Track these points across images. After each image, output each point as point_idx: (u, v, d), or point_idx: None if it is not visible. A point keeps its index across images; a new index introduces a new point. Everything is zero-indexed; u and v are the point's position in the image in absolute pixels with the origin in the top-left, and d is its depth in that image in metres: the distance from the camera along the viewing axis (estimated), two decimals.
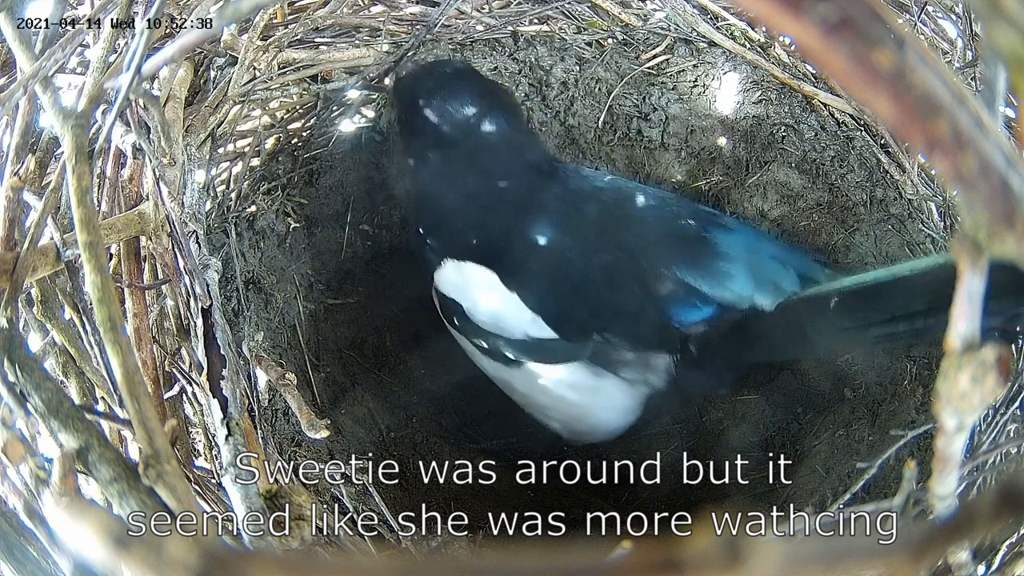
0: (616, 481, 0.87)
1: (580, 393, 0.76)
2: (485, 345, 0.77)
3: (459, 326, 0.78)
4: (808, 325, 0.66)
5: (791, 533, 0.47)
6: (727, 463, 0.84)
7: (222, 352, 0.49)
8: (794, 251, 0.79)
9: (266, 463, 0.54)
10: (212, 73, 0.69)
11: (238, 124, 0.74)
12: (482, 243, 0.75)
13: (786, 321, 0.68)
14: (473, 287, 0.75)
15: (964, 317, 0.23)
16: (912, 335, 0.60)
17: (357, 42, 0.80)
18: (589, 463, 0.89)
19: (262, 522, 0.35)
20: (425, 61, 0.81)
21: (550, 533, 0.78)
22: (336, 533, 0.56)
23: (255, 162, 0.78)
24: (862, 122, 0.83)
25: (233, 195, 0.75)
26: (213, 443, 0.54)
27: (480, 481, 0.85)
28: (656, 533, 0.77)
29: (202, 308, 0.50)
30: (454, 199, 0.76)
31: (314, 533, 0.37)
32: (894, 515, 0.39)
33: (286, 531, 0.35)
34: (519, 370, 0.77)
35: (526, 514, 0.81)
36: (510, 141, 0.76)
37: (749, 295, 0.71)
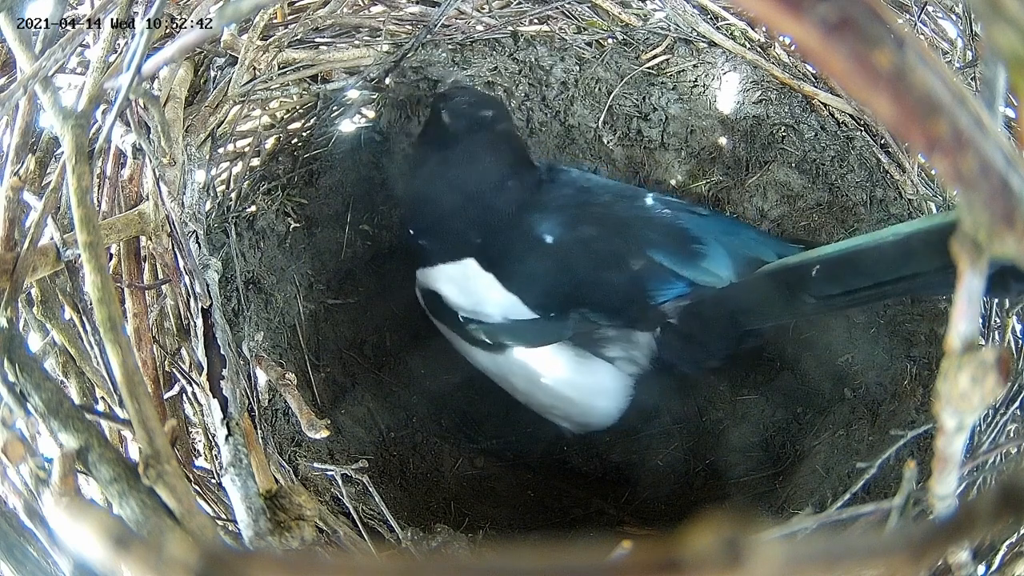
0: (616, 481, 0.87)
1: (568, 377, 0.76)
2: (469, 333, 0.77)
3: (441, 316, 0.79)
4: (791, 292, 0.66)
5: (791, 533, 0.47)
6: (727, 463, 0.85)
7: (222, 352, 0.49)
8: (770, 236, 0.79)
9: (267, 463, 0.54)
10: (212, 73, 0.69)
11: (238, 124, 0.75)
12: (463, 236, 0.76)
13: (768, 289, 0.68)
14: (453, 276, 0.76)
15: (964, 317, 0.23)
16: (898, 294, 0.59)
17: (357, 42, 0.80)
18: (590, 463, 0.89)
19: (262, 522, 0.35)
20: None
21: (550, 533, 0.78)
22: (336, 533, 0.56)
23: (255, 162, 0.79)
24: (862, 122, 0.83)
25: (233, 195, 0.75)
26: (213, 443, 0.54)
27: (480, 481, 0.85)
28: (656, 533, 0.77)
29: (202, 308, 0.50)
30: (437, 199, 0.77)
31: (314, 533, 0.37)
32: (894, 515, 0.39)
33: (286, 531, 0.35)
34: (507, 358, 0.77)
35: (526, 514, 0.81)
36: (485, 140, 0.78)
37: (727, 275, 0.71)
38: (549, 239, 0.74)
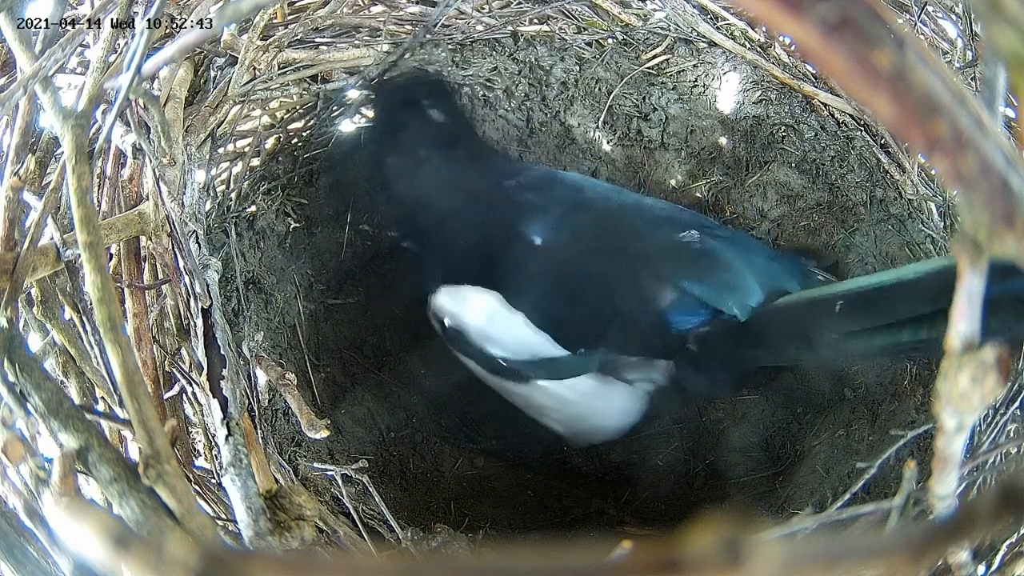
0: (616, 481, 0.87)
1: (584, 398, 0.76)
2: (493, 366, 0.76)
3: (466, 351, 0.77)
4: (811, 328, 0.65)
5: (791, 533, 0.47)
6: (727, 463, 0.85)
7: (222, 352, 0.49)
8: (794, 263, 0.78)
9: (267, 463, 0.54)
10: (212, 73, 0.69)
11: (238, 124, 0.74)
12: (481, 264, 0.74)
13: (789, 323, 0.67)
14: (475, 312, 0.74)
15: (964, 317, 0.23)
16: (916, 346, 0.59)
17: (357, 42, 0.80)
18: (590, 463, 0.89)
19: (262, 522, 0.35)
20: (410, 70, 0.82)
21: (550, 533, 0.78)
22: (336, 533, 0.56)
23: (255, 162, 0.78)
24: (862, 122, 0.83)
25: (233, 195, 0.75)
26: (213, 443, 0.54)
27: (480, 481, 0.85)
28: (656, 533, 0.77)
29: (202, 308, 0.50)
30: (448, 219, 0.75)
31: (314, 533, 0.37)
32: (894, 515, 0.39)
33: (286, 531, 0.35)
34: (529, 387, 0.76)
35: (526, 514, 0.81)
36: (494, 156, 0.77)
37: (752, 305, 0.70)
38: (576, 275, 0.73)
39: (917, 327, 0.57)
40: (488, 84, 0.88)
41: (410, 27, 0.82)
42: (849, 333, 0.62)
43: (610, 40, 0.87)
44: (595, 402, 0.76)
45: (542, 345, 0.73)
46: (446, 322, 0.77)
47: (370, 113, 0.80)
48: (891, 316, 0.59)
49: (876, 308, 0.59)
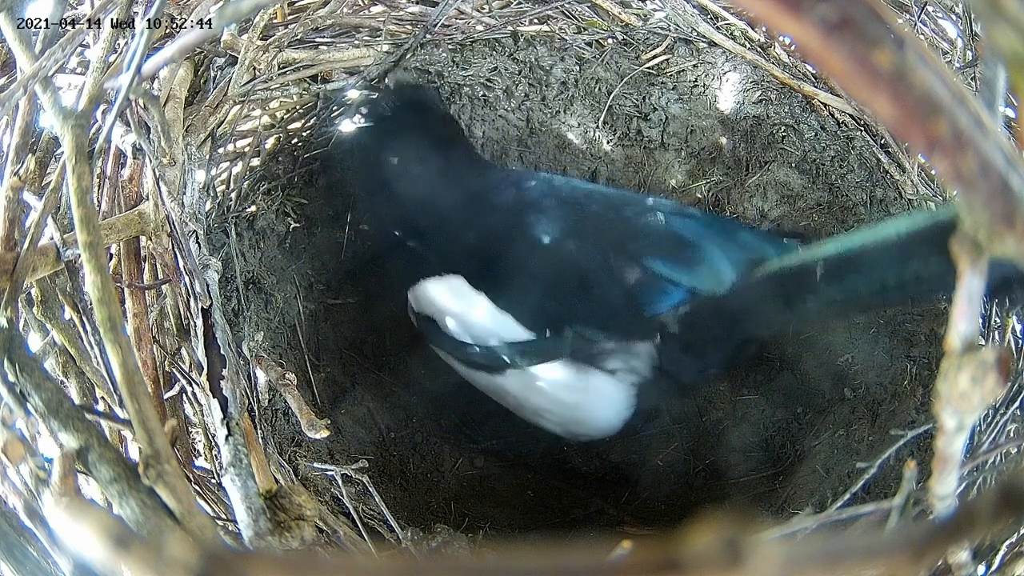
0: (616, 481, 0.87)
1: (570, 394, 0.76)
2: (467, 356, 0.76)
3: (436, 341, 0.78)
4: (794, 296, 0.64)
5: (791, 533, 0.47)
6: (727, 463, 0.85)
7: (222, 352, 0.49)
8: (768, 235, 0.78)
9: (267, 463, 0.54)
10: (212, 73, 0.69)
11: (238, 124, 0.75)
12: (453, 252, 0.75)
13: (768, 293, 0.67)
14: (445, 299, 0.75)
15: (964, 317, 0.23)
16: (903, 301, 0.57)
17: (357, 42, 0.80)
18: (590, 463, 0.89)
19: (262, 522, 0.35)
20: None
21: (550, 533, 0.78)
22: (336, 533, 0.56)
23: (255, 162, 0.78)
24: (862, 122, 0.83)
25: (233, 195, 0.75)
26: (213, 443, 0.54)
27: (480, 481, 0.85)
28: (656, 533, 0.77)
29: (202, 308, 0.50)
30: (428, 210, 0.77)
31: (314, 533, 0.37)
32: (894, 515, 0.39)
33: (286, 531, 0.35)
34: (506, 379, 0.76)
35: (526, 514, 0.81)
36: (463, 155, 0.79)
37: (727, 279, 0.69)
38: (540, 253, 0.73)
39: (902, 287, 0.56)
40: (488, 84, 0.88)
41: (410, 27, 0.82)
42: (833, 299, 0.61)
43: (610, 40, 0.87)
44: (578, 396, 0.76)
45: (506, 326, 0.73)
46: (419, 312, 0.78)
47: (368, 116, 0.80)
48: (875, 281, 0.58)
49: (859, 272, 0.59)
